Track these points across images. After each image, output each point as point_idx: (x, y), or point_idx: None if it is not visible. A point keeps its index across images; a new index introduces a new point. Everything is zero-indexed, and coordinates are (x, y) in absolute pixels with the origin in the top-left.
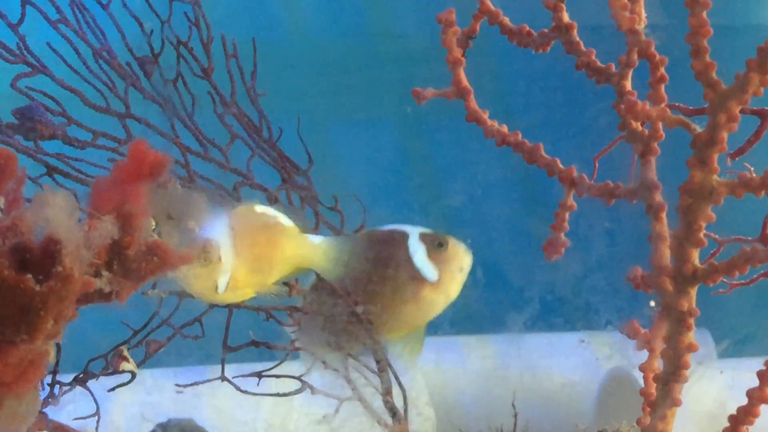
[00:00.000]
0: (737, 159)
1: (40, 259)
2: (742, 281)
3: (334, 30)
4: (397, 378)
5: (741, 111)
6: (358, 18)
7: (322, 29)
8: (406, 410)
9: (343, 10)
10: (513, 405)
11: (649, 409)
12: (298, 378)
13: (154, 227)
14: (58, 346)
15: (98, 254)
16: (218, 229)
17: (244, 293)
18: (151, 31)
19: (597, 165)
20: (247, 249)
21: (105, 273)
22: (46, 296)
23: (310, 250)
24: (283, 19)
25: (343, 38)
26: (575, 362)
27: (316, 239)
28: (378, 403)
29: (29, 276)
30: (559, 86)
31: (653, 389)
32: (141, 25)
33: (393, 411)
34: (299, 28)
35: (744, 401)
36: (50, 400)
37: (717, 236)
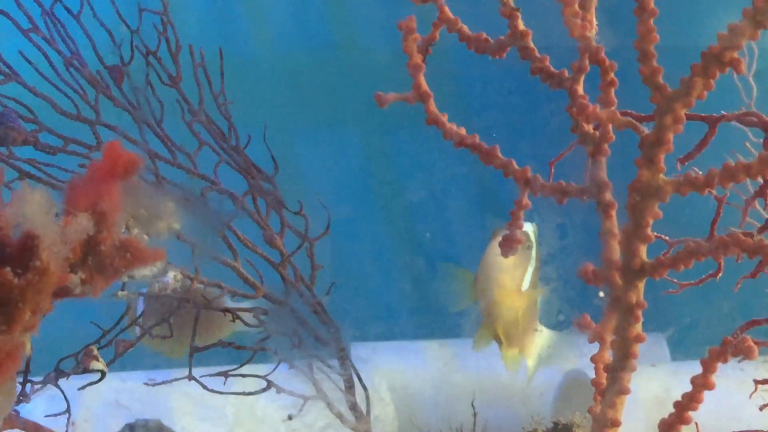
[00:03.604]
0: (686, 164)
1: (19, 253)
2: (691, 281)
3: (300, 42)
4: (359, 378)
5: (689, 117)
6: (323, 31)
7: (288, 41)
8: (368, 409)
9: (309, 23)
10: (472, 405)
11: (599, 397)
12: (264, 377)
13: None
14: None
15: (73, 250)
16: None
17: None
18: (122, 41)
19: (552, 169)
20: None
21: (79, 267)
22: (24, 289)
23: None
24: (251, 31)
25: (308, 50)
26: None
27: None
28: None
29: (8, 269)
30: (515, 90)
31: (603, 379)
32: (111, 34)
33: (355, 410)
34: (266, 39)
35: (688, 388)
36: (21, 398)
37: (667, 237)
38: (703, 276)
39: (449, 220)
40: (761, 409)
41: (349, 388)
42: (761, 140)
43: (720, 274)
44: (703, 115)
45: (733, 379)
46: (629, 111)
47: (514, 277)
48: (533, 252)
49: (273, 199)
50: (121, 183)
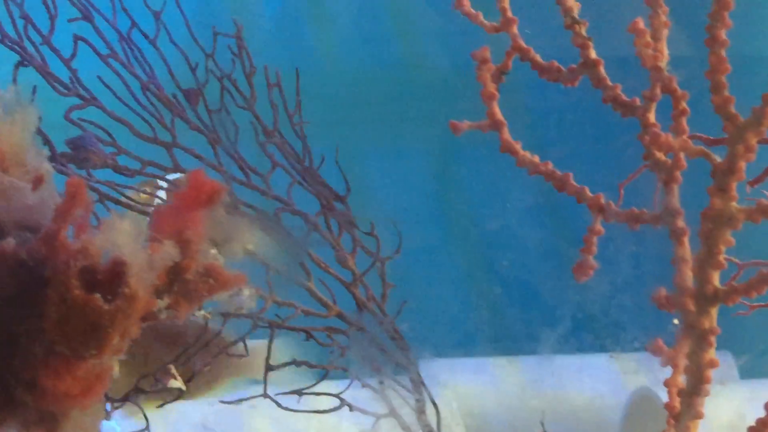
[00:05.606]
0: (756, 186)
1: (108, 279)
2: (762, 303)
3: (367, 61)
4: (431, 398)
5: (760, 141)
6: (390, 50)
7: (356, 60)
8: (439, 429)
9: (375, 42)
10: (542, 424)
11: (673, 421)
12: (337, 396)
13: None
14: None
15: (160, 276)
16: None
17: None
18: (197, 64)
19: (622, 192)
20: None
21: (165, 293)
22: (113, 314)
23: None
24: (318, 50)
25: (377, 69)
26: (604, 383)
27: None
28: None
29: (98, 295)
30: (588, 119)
31: (677, 403)
32: (187, 58)
33: (428, 429)
34: (333, 59)
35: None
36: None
37: (738, 260)
38: None
39: (523, 248)
40: None
41: (421, 409)
42: None
43: None
44: None
45: None
46: (702, 135)
47: None
48: None
49: (345, 220)
50: (205, 210)
